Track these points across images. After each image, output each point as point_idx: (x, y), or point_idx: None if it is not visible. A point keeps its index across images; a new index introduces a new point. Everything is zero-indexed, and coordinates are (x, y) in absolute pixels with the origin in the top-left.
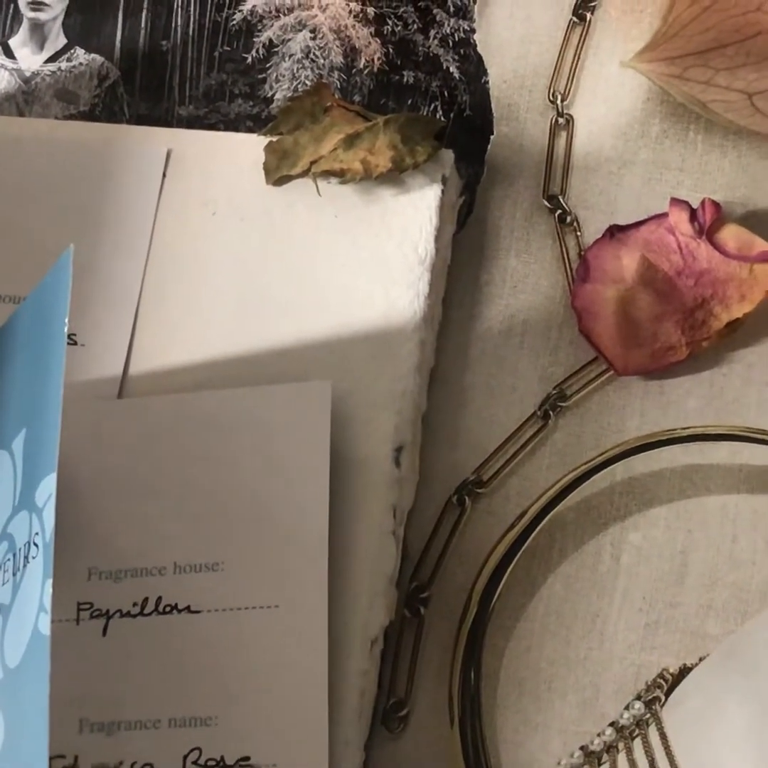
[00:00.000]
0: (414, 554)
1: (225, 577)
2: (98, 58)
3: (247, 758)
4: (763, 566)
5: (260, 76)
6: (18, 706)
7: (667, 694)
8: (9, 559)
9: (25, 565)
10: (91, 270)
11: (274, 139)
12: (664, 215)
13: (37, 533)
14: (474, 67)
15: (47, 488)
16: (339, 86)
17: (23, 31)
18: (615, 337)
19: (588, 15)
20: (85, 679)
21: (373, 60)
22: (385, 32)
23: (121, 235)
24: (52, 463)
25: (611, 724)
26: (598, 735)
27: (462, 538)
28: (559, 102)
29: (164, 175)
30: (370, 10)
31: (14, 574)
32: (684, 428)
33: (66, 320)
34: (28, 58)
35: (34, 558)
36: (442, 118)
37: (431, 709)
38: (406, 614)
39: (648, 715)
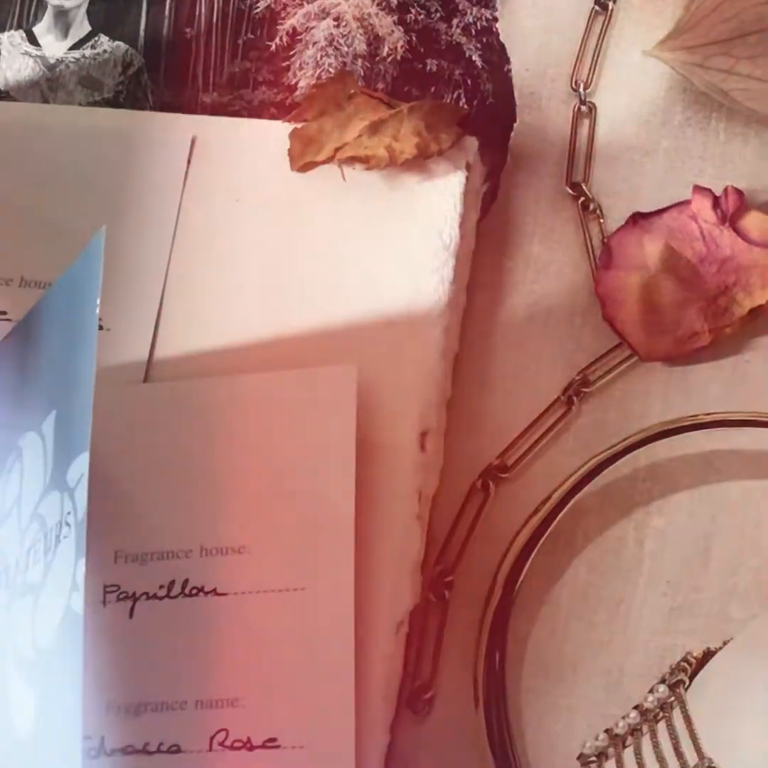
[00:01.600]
0: (438, 538)
1: (251, 560)
2: (122, 46)
3: (274, 739)
4: None
5: (284, 64)
6: (50, 685)
7: (691, 678)
8: (40, 539)
9: (56, 545)
10: (117, 256)
11: (299, 125)
12: (687, 202)
13: (69, 513)
14: (497, 55)
15: (79, 468)
16: (362, 74)
17: (47, 18)
18: (638, 323)
19: (610, 4)
20: (111, 662)
21: (396, 48)
22: (408, 20)
23: (146, 222)
24: (84, 443)
25: (636, 708)
26: (623, 718)
27: (486, 522)
28: (581, 90)
29: (189, 162)
30: None
31: (46, 554)
32: (707, 414)
33: (98, 301)
34: (53, 45)
35: (65, 537)
36: (465, 106)
37: (456, 692)
38: (430, 598)
39: (672, 699)
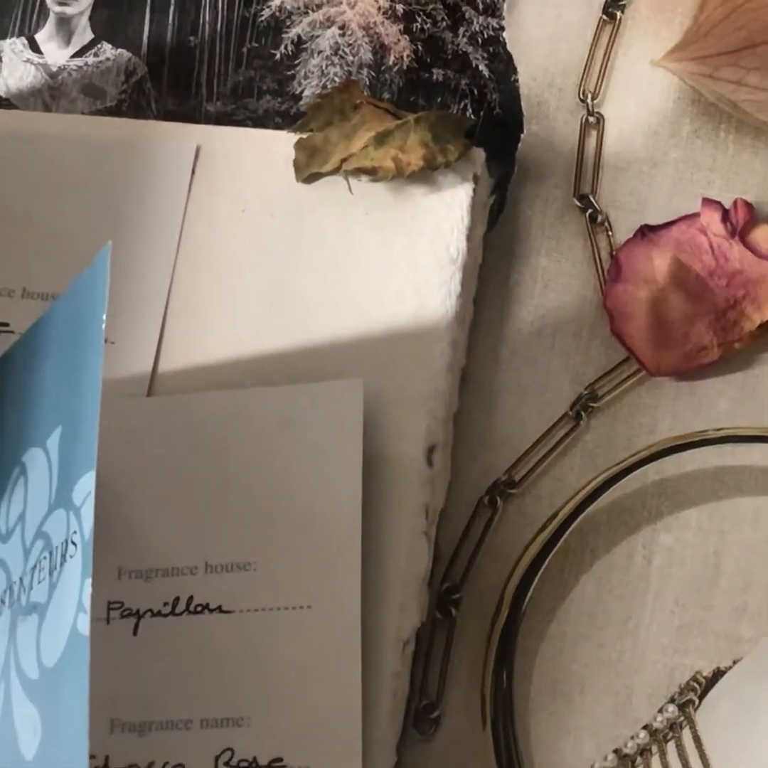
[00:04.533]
0: (445, 555)
1: (257, 577)
2: (125, 54)
3: (280, 759)
4: None
5: (289, 73)
6: (55, 705)
7: (701, 698)
8: (45, 558)
9: (62, 564)
10: (120, 267)
11: (304, 136)
12: (696, 215)
13: (75, 532)
14: (503, 65)
15: (86, 486)
16: (368, 83)
17: (50, 25)
18: (647, 337)
19: (618, 13)
20: (115, 679)
21: (402, 57)
22: (414, 29)
23: (150, 232)
24: (90, 461)
25: (645, 727)
26: (632, 738)
27: (493, 538)
28: (589, 101)
29: (193, 172)
30: (399, 7)
31: (51, 573)
32: (716, 429)
33: (104, 317)
34: (55, 52)
35: (71, 557)
36: (472, 116)
37: (463, 710)
38: (437, 615)
39: (682, 718)
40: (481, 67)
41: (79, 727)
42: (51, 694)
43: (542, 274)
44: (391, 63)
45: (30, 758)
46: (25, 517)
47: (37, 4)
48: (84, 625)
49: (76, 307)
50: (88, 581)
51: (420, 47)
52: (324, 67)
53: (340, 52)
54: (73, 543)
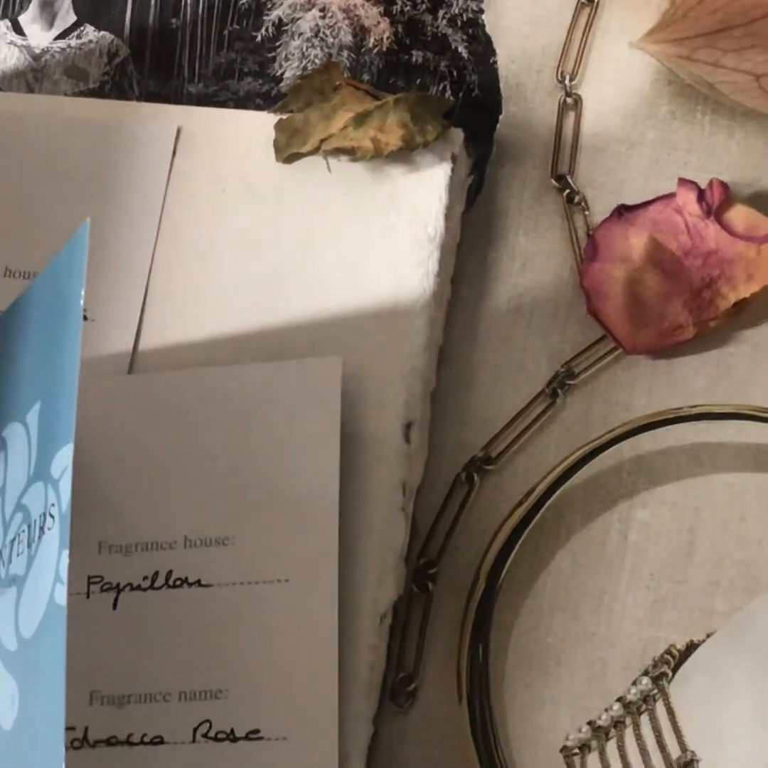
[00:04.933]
0: (423, 530)
1: (235, 552)
2: (108, 36)
3: (257, 731)
4: None
5: (270, 55)
6: (33, 676)
7: (675, 670)
8: (24, 531)
9: (40, 537)
10: (102, 246)
11: (284, 116)
12: (672, 195)
13: (52, 504)
14: (482, 47)
15: (63, 459)
16: (348, 65)
17: (33, 7)
18: (623, 316)
19: None
20: (95, 652)
21: (382, 39)
22: (394, 12)
23: (131, 212)
24: (68, 435)
25: (619, 700)
26: (606, 710)
27: (470, 514)
28: (567, 82)
29: (174, 153)
30: None
31: (29, 546)
32: (691, 407)
33: (82, 293)
34: (38, 34)
35: (49, 529)
36: (451, 98)
37: (439, 683)
38: (414, 590)
39: (655, 691)
40: (460, 49)
41: (56, 697)
42: (29, 665)
43: (520, 253)
44: (371, 45)
45: (8, 729)
46: (5, 490)
47: None
48: (61, 596)
49: (55, 284)
50: (66, 552)
51: (400, 29)
52: (304, 49)
53: (321, 35)
54: (51, 515)
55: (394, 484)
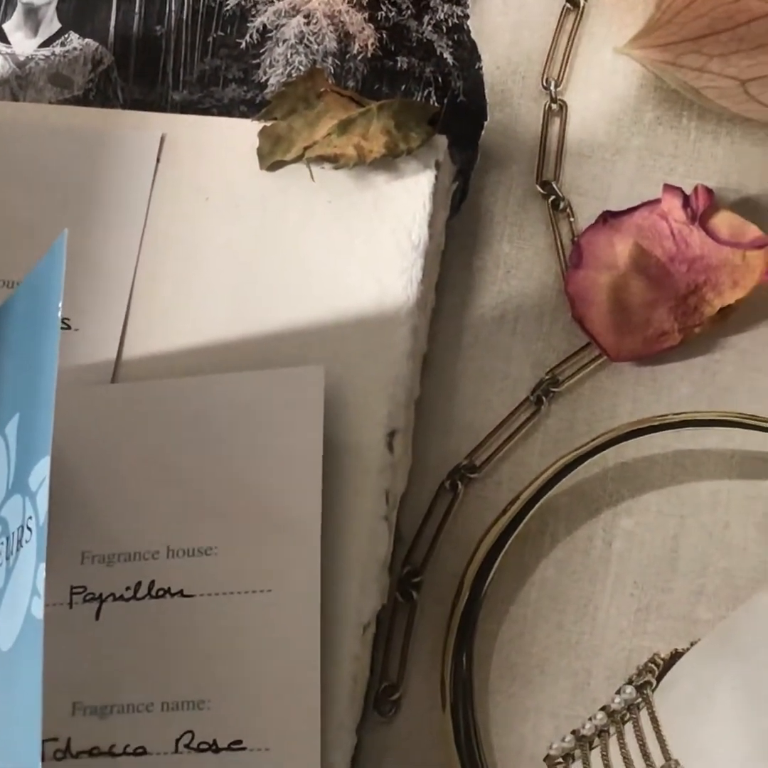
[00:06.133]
0: (406, 539)
1: (218, 562)
2: (92, 43)
3: (240, 742)
4: (754, 552)
5: (254, 61)
6: (10, 689)
7: (659, 679)
8: (2, 543)
9: (18, 549)
10: (85, 255)
11: (268, 124)
12: (657, 201)
13: (30, 517)
14: (468, 53)
15: (41, 472)
16: (332, 72)
17: (17, 15)
18: (608, 323)
19: (582, 1)
20: (78, 663)
21: (366, 45)
22: (378, 18)
23: (114, 220)
24: (45, 447)
25: (603, 709)
26: (590, 719)
27: (454, 523)
28: (552, 88)
29: (158, 160)
30: None
31: (7, 559)
32: (676, 414)
33: (60, 305)
34: (22, 42)
35: (27, 542)
36: (436, 104)
37: (423, 693)
38: (398, 599)
39: (639, 700)
40: (445, 55)
41: (33, 710)
42: (6, 678)
43: (504, 260)
44: (355, 51)
45: None
46: None
47: None
48: (38, 609)
49: (34, 295)
50: (43, 566)
51: (384, 35)
52: (289, 56)
53: (305, 41)
54: (29, 528)
55: (378, 493)
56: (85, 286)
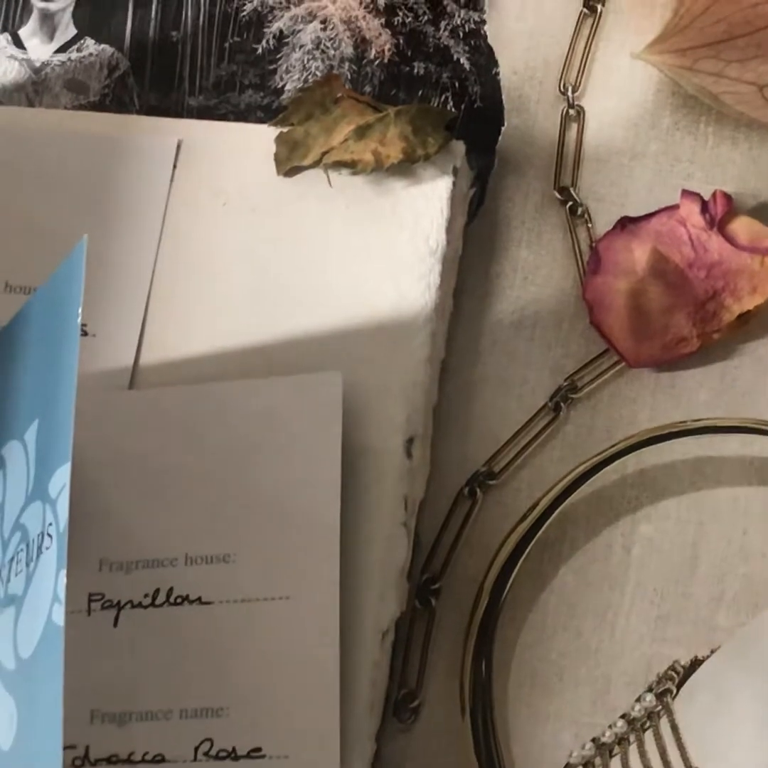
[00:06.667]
0: (425, 546)
1: (236, 569)
2: (108, 49)
3: (259, 749)
4: None
5: (271, 67)
6: (31, 696)
7: (679, 686)
8: (22, 550)
9: (38, 556)
10: (102, 261)
11: (285, 129)
12: (675, 207)
13: (50, 524)
14: (484, 58)
15: (61, 479)
16: (349, 77)
17: (33, 21)
18: (626, 329)
19: (599, 6)
20: (96, 670)
21: (383, 51)
22: (395, 23)
23: (131, 226)
24: (66, 454)
25: (623, 716)
26: (610, 727)
27: (473, 529)
28: (569, 93)
29: (175, 166)
30: (381, 1)
31: (27, 565)
32: (695, 420)
33: (79, 311)
34: (38, 48)
35: (47, 549)
36: (453, 110)
37: (442, 700)
38: (417, 605)
39: (659, 708)
40: (462, 61)
41: (54, 717)
42: (27, 685)
43: (522, 266)
44: (372, 57)
45: (6, 749)
46: (4, 509)
47: (21, 0)
48: (59, 616)
49: (53, 301)
50: (63, 572)
51: (401, 41)
52: (305, 62)
53: (322, 47)
54: (49, 535)
55: (396, 500)
56: (102, 291)
